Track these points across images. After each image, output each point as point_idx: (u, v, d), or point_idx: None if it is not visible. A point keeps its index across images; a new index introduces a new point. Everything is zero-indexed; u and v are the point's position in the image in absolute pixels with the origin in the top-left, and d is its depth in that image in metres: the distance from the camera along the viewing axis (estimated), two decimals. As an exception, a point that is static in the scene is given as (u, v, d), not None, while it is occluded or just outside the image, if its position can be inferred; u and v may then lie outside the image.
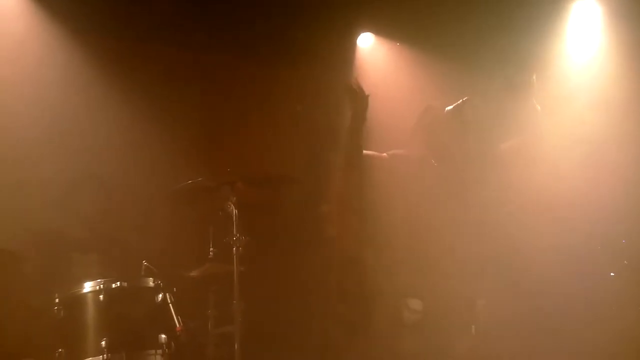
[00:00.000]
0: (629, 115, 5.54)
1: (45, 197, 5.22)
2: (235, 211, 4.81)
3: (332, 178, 5.30)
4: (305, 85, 6.15)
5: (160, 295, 4.51)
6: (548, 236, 5.03)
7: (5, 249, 4.76)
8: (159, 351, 4.38)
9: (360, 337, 5.03)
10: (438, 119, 5.16)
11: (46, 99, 5.34)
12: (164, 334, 4.41)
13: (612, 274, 5.29)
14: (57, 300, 4.43)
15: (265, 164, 6.02)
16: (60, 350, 4.34)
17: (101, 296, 4.37)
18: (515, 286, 4.94)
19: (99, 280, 4.44)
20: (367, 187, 5.04)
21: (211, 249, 5.17)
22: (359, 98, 4.86)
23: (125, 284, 4.46)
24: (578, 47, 6.04)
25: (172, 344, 4.42)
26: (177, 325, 4.45)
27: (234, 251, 4.77)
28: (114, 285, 4.43)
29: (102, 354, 4.26)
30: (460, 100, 5.03)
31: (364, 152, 5.01)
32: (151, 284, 4.55)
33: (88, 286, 4.43)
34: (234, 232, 4.79)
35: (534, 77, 5.02)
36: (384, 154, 5.20)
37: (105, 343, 4.27)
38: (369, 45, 6.36)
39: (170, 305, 4.50)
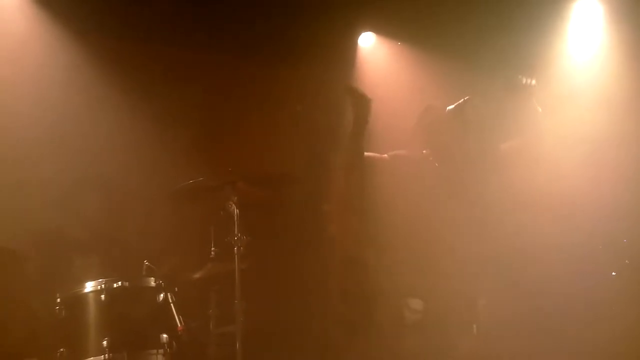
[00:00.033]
0: (630, 114, 5.55)
1: (47, 197, 5.22)
2: (236, 211, 4.80)
3: (333, 178, 5.30)
4: (306, 84, 6.15)
5: (162, 295, 4.50)
6: (549, 236, 5.04)
7: (7, 249, 4.77)
8: (161, 351, 4.38)
9: (361, 337, 5.03)
10: (439, 119, 5.16)
11: (47, 99, 5.34)
12: (166, 334, 4.40)
13: (613, 273, 5.30)
14: (58, 300, 4.43)
15: (266, 164, 6.01)
16: (61, 350, 4.34)
17: (103, 296, 4.37)
18: (516, 286, 4.95)
19: (100, 280, 4.44)
20: (368, 187, 5.04)
21: (213, 248, 5.17)
22: (361, 102, 4.87)
23: (126, 284, 4.45)
24: (579, 47, 6.04)
25: (174, 343, 4.41)
26: (179, 325, 4.44)
27: (235, 251, 4.77)
28: (115, 285, 4.42)
29: (104, 354, 4.26)
30: (462, 100, 5.03)
31: (365, 154, 5.03)
32: (152, 283, 4.54)
33: (89, 286, 4.42)
34: (235, 232, 4.78)
35: (533, 80, 5.03)
36: (385, 155, 5.21)
37: (107, 343, 4.27)
38: (369, 45, 6.36)
39: (171, 305, 4.49)
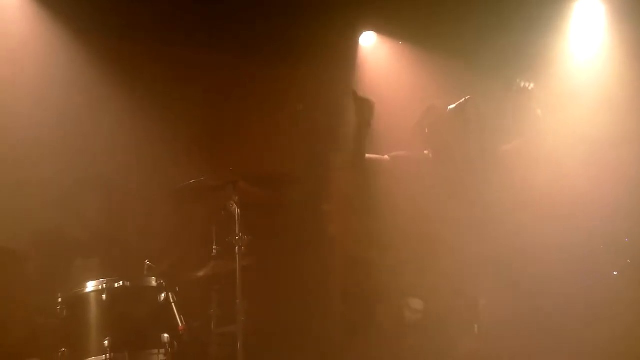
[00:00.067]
0: (632, 113, 5.55)
1: (47, 196, 5.21)
2: (237, 210, 4.81)
3: (334, 178, 5.30)
4: (307, 84, 6.14)
5: (163, 295, 4.49)
6: (550, 235, 5.04)
7: (8, 249, 4.77)
8: (162, 350, 4.36)
9: (362, 337, 5.04)
10: (440, 119, 5.17)
11: (48, 99, 5.34)
12: (167, 334, 4.39)
13: (614, 272, 5.30)
14: (59, 300, 4.41)
15: (266, 163, 6.02)
16: (63, 349, 4.32)
17: (104, 296, 4.36)
18: (516, 285, 4.95)
19: (101, 279, 4.43)
20: (369, 188, 5.05)
21: (214, 247, 5.16)
22: (365, 105, 4.88)
23: (128, 284, 4.44)
24: (580, 46, 6.05)
25: (175, 343, 4.40)
26: (180, 325, 4.43)
27: (237, 250, 4.77)
28: (116, 285, 4.41)
29: (105, 354, 4.24)
30: (463, 99, 5.04)
31: (366, 156, 5.04)
32: (154, 283, 4.53)
33: (91, 286, 4.41)
34: (237, 232, 4.79)
35: (532, 83, 5.04)
36: (385, 156, 5.21)
37: (108, 342, 4.25)
38: (370, 44, 6.36)
39: (172, 304, 4.49)
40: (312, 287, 5.41)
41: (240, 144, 6.04)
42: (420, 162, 5.23)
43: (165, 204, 5.37)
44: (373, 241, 5.12)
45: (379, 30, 6.32)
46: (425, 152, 5.29)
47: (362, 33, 6.33)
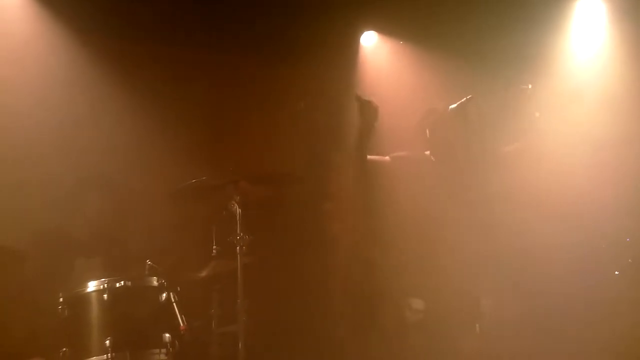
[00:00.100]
0: (633, 113, 5.54)
1: (48, 196, 5.21)
2: (239, 210, 4.81)
3: (334, 178, 5.30)
4: (307, 84, 6.14)
5: (164, 295, 4.50)
6: (551, 235, 5.03)
7: (9, 249, 4.76)
8: (163, 350, 4.36)
9: (363, 337, 5.03)
10: (441, 119, 5.17)
11: (49, 99, 5.34)
12: (168, 333, 4.39)
13: (616, 272, 5.29)
14: (61, 300, 4.42)
15: (267, 163, 6.02)
16: (64, 349, 4.33)
17: (105, 295, 4.36)
18: (518, 285, 4.95)
19: (103, 279, 4.42)
20: (370, 188, 5.05)
21: (214, 247, 5.16)
22: (369, 109, 4.89)
23: (129, 283, 4.44)
24: (582, 45, 6.05)
25: (176, 343, 4.41)
26: (181, 325, 4.43)
27: (238, 250, 4.76)
28: (118, 285, 4.41)
29: (106, 353, 4.25)
30: (464, 99, 5.04)
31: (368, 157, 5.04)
32: (155, 283, 4.53)
33: (92, 285, 4.41)
34: (238, 231, 4.79)
35: (530, 85, 5.04)
36: (387, 157, 5.21)
37: (110, 342, 4.25)
38: (371, 44, 6.35)
39: (174, 304, 4.49)
40: (313, 287, 5.40)
41: (241, 143, 6.04)
42: (421, 163, 5.23)
43: (167, 203, 5.36)
44: (374, 241, 5.11)
45: (379, 29, 6.31)
46: (426, 152, 5.29)
47: (363, 33, 6.33)
